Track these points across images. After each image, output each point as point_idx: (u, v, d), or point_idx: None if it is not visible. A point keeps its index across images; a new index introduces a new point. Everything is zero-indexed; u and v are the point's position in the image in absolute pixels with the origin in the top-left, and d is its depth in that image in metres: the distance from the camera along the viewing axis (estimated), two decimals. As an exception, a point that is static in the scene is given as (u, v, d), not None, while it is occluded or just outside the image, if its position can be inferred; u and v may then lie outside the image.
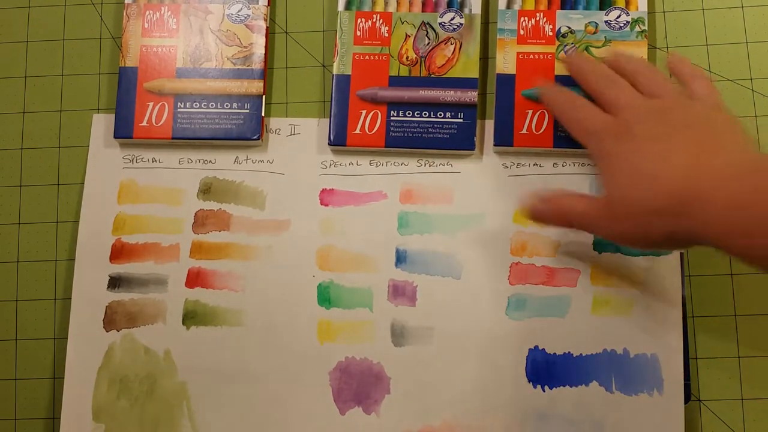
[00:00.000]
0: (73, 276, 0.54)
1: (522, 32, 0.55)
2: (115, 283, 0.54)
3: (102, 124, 0.57)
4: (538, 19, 0.55)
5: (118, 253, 0.54)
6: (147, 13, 0.55)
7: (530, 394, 0.51)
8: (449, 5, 0.56)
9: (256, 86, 0.55)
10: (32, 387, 0.55)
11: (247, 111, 0.54)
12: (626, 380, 0.51)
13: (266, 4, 0.56)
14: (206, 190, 0.55)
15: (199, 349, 0.53)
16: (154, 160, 0.56)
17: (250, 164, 0.56)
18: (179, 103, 0.54)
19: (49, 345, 0.55)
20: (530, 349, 0.52)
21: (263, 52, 0.55)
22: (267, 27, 0.56)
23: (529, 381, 0.52)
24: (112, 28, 0.59)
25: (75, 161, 0.57)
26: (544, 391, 0.51)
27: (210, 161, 0.56)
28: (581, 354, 0.52)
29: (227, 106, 0.54)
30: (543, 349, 0.52)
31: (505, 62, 0.55)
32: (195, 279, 0.54)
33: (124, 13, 0.56)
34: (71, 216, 0.56)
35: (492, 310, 0.53)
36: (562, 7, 0.55)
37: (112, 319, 0.54)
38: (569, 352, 0.52)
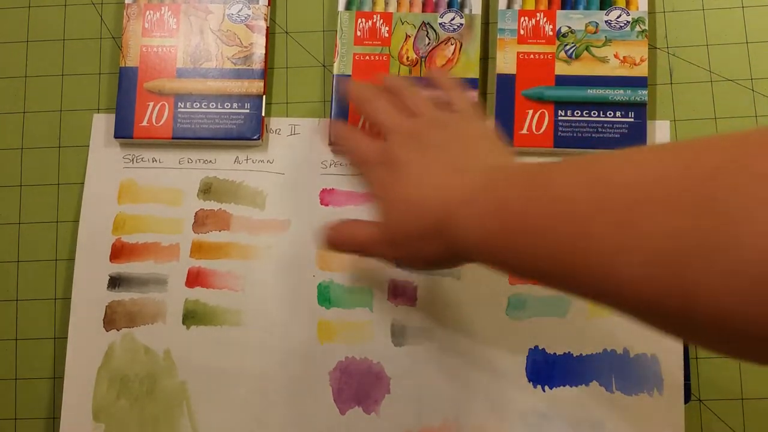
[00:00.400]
0: (73, 276, 0.54)
1: (522, 32, 0.55)
2: (115, 282, 0.54)
3: (102, 124, 0.57)
4: (538, 19, 0.55)
5: (118, 252, 0.54)
6: (147, 13, 0.55)
7: (530, 394, 0.51)
8: (449, 5, 0.56)
9: (257, 86, 0.55)
10: (32, 387, 0.55)
11: (248, 111, 0.54)
12: (626, 380, 0.51)
13: (266, 4, 0.56)
14: (206, 190, 0.55)
15: (199, 349, 0.53)
16: (154, 160, 0.56)
17: (250, 164, 0.56)
18: (179, 103, 0.54)
19: (49, 345, 0.55)
20: (530, 349, 0.52)
21: (263, 52, 0.55)
22: (267, 27, 0.56)
23: (529, 381, 0.52)
24: (112, 28, 0.59)
25: (75, 161, 0.57)
26: (544, 391, 0.51)
27: (210, 161, 0.56)
28: (581, 354, 0.52)
29: (227, 106, 0.54)
30: (543, 349, 0.52)
31: (505, 62, 0.55)
32: (195, 279, 0.54)
33: (125, 13, 0.56)
34: (71, 216, 0.56)
35: (492, 310, 0.53)
36: (563, 7, 0.55)
37: (112, 319, 0.54)
38: (569, 352, 0.52)
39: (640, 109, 0.54)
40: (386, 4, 0.56)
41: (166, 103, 0.54)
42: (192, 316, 0.53)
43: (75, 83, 0.58)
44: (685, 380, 0.51)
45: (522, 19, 0.55)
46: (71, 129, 0.58)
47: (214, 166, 0.56)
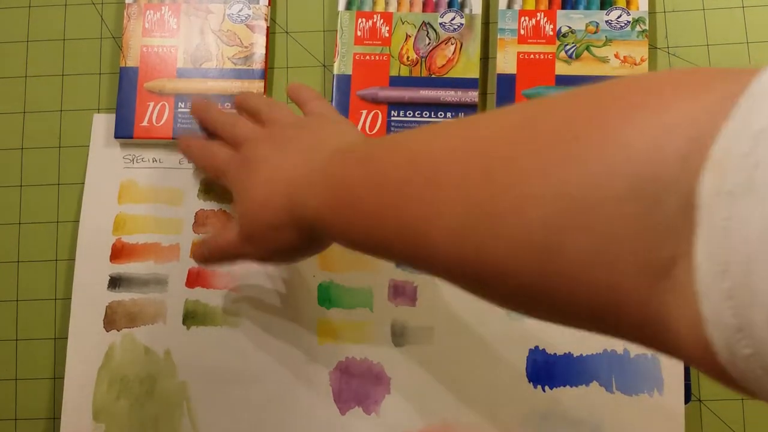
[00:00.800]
0: (73, 276, 0.54)
1: (522, 32, 0.55)
2: (115, 283, 0.54)
3: (102, 124, 0.57)
4: (538, 19, 0.55)
5: (119, 253, 0.54)
6: (147, 13, 0.55)
7: (530, 394, 0.51)
8: (450, 5, 0.56)
9: (257, 86, 0.55)
10: (32, 387, 0.55)
11: None
12: (626, 380, 0.51)
13: (267, 4, 0.56)
14: (206, 190, 0.55)
15: (199, 349, 0.53)
16: (154, 160, 0.56)
17: (251, 164, 0.56)
18: (180, 103, 0.54)
19: (49, 345, 0.55)
20: (530, 349, 0.52)
21: (264, 52, 0.55)
22: (267, 27, 0.56)
23: (529, 381, 0.52)
24: (113, 28, 0.59)
25: (75, 161, 0.57)
26: (544, 391, 0.51)
27: (210, 161, 0.56)
28: (581, 354, 0.52)
29: (228, 106, 0.54)
30: (543, 349, 0.52)
31: (505, 62, 0.55)
32: (195, 279, 0.54)
33: (125, 13, 0.56)
34: (71, 216, 0.56)
35: (492, 310, 0.52)
36: (563, 7, 0.55)
37: (112, 319, 0.54)
38: (569, 352, 0.52)
39: (640, 109, 0.54)
40: (386, 3, 0.56)
41: (166, 103, 0.54)
42: (192, 317, 0.53)
43: (75, 83, 0.58)
44: (685, 380, 0.51)
45: (522, 19, 0.55)
46: (71, 129, 0.58)
47: (214, 166, 0.56)
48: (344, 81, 0.55)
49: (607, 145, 0.24)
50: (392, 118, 0.55)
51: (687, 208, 0.21)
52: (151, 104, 0.54)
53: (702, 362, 0.22)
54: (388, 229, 0.34)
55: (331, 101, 0.55)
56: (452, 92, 0.54)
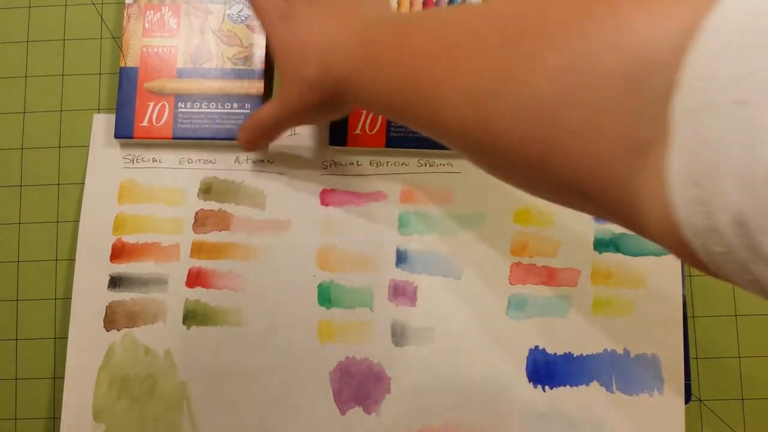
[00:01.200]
0: (73, 276, 0.54)
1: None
2: (115, 282, 0.54)
3: (102, 124, 0.57)
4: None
5: (119, 252, 0.54)
6: (147, 13, 0.55)
7: (531, 394, 0.51)
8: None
9: (257, 86, 0.55)
10: (32, 387, 0.55)
11: (248, 111, 0.54)
12: (627, 380, 0.51)
13: None
14: (207, 190, 0.55)
15: (199, 349, 0.53)
16: (154, 160, 0.56)
17: (251, 164, 0.56)
18: (180, 103, 0.54)
19: (49, 345, 0.55)
20: (531, 349, 0.52)
21: (263, 52, 0.55)
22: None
23: (529, 381, 0.52)
24: (113, 28, 0.59)
25: (75, 161, 0.57)
26: (544, 391, 0.51)
27: (210, 161, 0.56)
28: (582, 354, 0.52)
29: (228, 106, 0.54)
30: (543, 349, 0.52)
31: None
32: (195, 279, 0.54)
33: (125, 13, 0.56)
34: (71, 216, 0.56)
35: (492, 310, 0.53)
36: (563, 7, 0.55)
37: (112, 319, 0.54)
38: (570, 352, 0.52)
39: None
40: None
41: (166, 103, 0.54)
42: (192, 316, 0.53)
43: (75, 83, 0.58)
44: (685, 380, 0.51)
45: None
46: (71, 129, 0.58)
47: (214, 166, 0.56)
48: None
49: (615, 23, 0.26)
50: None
51: (668, 97, 0.23)
52: (151, 104, 0.54)
53: (668, 244, 0.25)
54: (410, 93, 0.36)
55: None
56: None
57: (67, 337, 0.53)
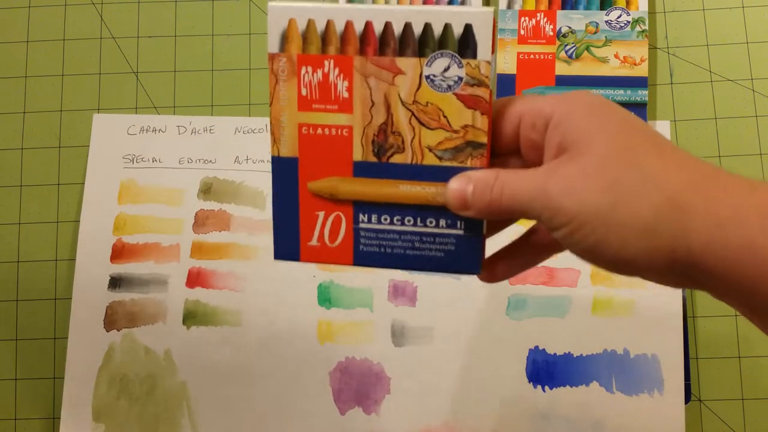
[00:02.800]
0: (73, 276, 0.54)
1: (522, 32, 0.55)
2: (115, 283, 0.54)
3: (102, 123, 0.57)
4: (538, 19, 0.55)
5: (119, 253, 0.54)
6: (303, 70, 0.34)
7: (530, 394, 0.51)
8: (450, 5, 0.56)
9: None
10: (32, 387, 0.55)
11: (461, 231, 0.34)
12: (627, 380, 0.51)
13: (488, 58, 0.32)
14: (206, 190, 0.55)
15: (199, 349, 0.53)
16: (154, 160, 0.56)
17: (250, 164, 0.56)
18: (361, 215, 0.35)
19: (49, 345, 0.55)
20: (530, 350, 0.52)
21: (487, 140, 0.32)
22: (489, 101, 0.32)
23: (529, 381, 0.52)
24: (113, 28, 0.59)
25: (75, 161, 0.57)
26: (544, 391, 0.51)
27: (210, 161, 0.56)
28: (581, 354, 0.52)
29: (431, 223, 0.34)
30: (543, 349, 0.52)
31: (505, 62, 0.55)
32: (195, 279, 0.54)
33: (270, 69, 0.34)
34: (72, 216, 0.56)
35: (492, 310, 0.53)
36: (563, 7, 0.55)
37: (112, 319, 0.54)
38: (569, 353, 0.52)
39: (640, 110, 0.54)
40: (387, 3, 0.56)
41: (341, 214, 0.36)
42: (192, 317, 0.53)
43: (75, 83, 0.58)
44: (685, 380, 0.51)
45: (522, 19, 0.55)
46: (71, 129, 0.58)
47: (214, 166, 0.56)
48: None
49: None
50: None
51: None
52: (321, 215, 0.36)
53: None
54: None
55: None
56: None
57: (67, 337, 0.53)
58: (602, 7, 0.55)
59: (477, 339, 0.52)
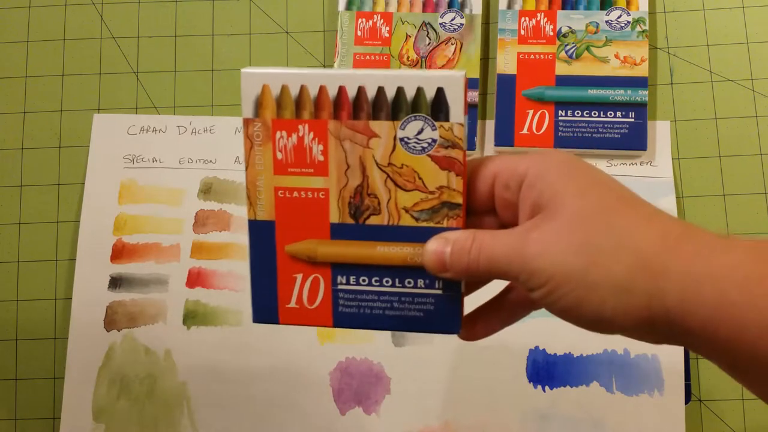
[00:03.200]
0: (73, 276, 0.54)
1: (523, 32, 0.55)
2: (115, 283, 0.54)
3: (102, 123, 0.57)
4: (538, 19, 0.55)
5: (119, 253, 0.54)
6: (279, 135, 0.34)
7: (531, 394, 0.51)
8: (450, 5, 0.56)
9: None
10: (32, 387, 0.55)
11: (440, 292, 0.35)
12: (627, 381, 0.51)
13: (461, 120, 0.32)
14: (207, 190, 0.55)
15: (199, 349, 0.53)
16: (154, 160, 0.56)
17: (251, 164, 0.56)
18: (339, 277, 0.35)
19: (50, 345, 0.55)
20: (531, 350, 0.52)
21: (462, 201, 0.33)
22: (464, 163, 0.32)
23: (529, 381, 0.52)
24: (112, 28, 0.59)
25: (75, 161, 0.57)
26: (544, 391, 0.51)
27: (210, 161, 0.56)
28: (582, 354, 0.52)
29: (409, 284, 0.35)
30: (543, 349, 0.52)
31: (505, 62, 0.55)
32: (195, 279, 0.54)
33: (244, 135, 0.34)
34: (72, 216, 0.56)
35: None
36: (563, 7, 0.55)
37: (112, 319, 0.54)
38: (570, 353, 0.52)
39: (640, 110, 0.54)
40: (386, 4, 0.56)
41: (320, 277, 0.36)
42: (192, 317, 0.53)
43: (75, 83, 0.58)
44: (685, 381, 0.51)
45: (522, 19, 0.55)
46: (71, 129, 0.58)
47: (214, 166, 0.56)
48: None
49: None
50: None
51: None
52: (299, 277, 0.36)
53: None
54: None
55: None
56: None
57: (67, 337, 0.53)
58: (602, 7, 0.55)
59: (477, 339, 0.52)
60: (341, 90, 0.33)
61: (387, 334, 0.53)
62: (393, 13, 0.56)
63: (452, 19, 0.56)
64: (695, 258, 0.27)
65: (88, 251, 0.54)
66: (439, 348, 0.52)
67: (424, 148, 0.33)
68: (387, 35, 0.56)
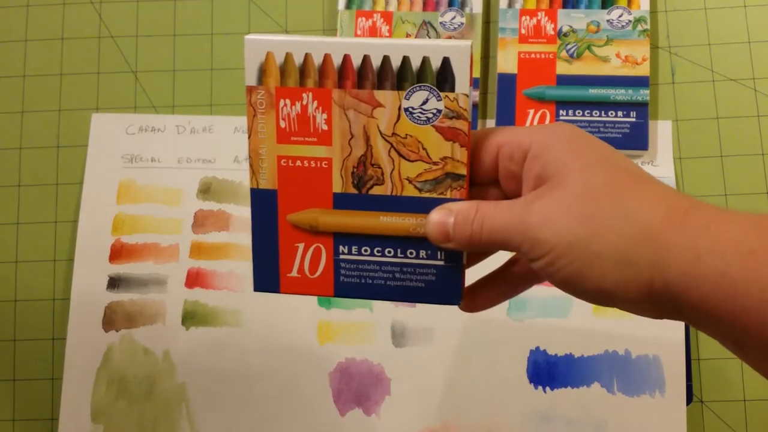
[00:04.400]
0: (72, 276, 0.54)
1: (523, 31, 0.55)
2: (114, 283, 0.54)
3: (101, 123, 0.56)
4: (539, 18, 0.55)
5: (118, 253, 0.54)
6: (282, 103, 0.33)
7: (531, 395, 0.51)
8: (450, 4, 0.56)
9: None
10: (31, 387, 0.55)
11: (441, 263, 0.35)
12: (628, 381, 0.51)
13: (466, 91, 0.32)
14: (206, 190, 0.55)
15: (198, 350, 0.53)
16: (153, 160, 0.56)
17: (250, 164, 0.55)
18: (341, 246, 0.35)
19: (48, 345, 0.55)
20: (531, 350, 0.52)
21: (466, 172, 0.33)
22: (468, 134, 0.32)
23: (530, 382, 0.51)
24: (112, 28, 0.59)
25: (74, 161, 0.57)
26: (545, 392, 0.51)
27: (209, 161, 0.55)
28: (583, 355, 0.51)
29: (411, 254, 0.34)
30: (544, 350, 0.52)
31: (506, 61, 0.55)
32: (194, 279, 0.54)
33: (247, 102, 0.33)
34: (70, 216, 0.56)
35: (493, 310, 0.52)
36: (564, 6, 0.55)
37: (111, 320, 0.53)
38: (570, 353, 0.52)
39: (641, 109, 0.53)
40: (386, 3, 0.56)
41: (321, 246, 0.36)
42: (191, 317, 0.53)
43: (73, 82, 0.58)
44: (687, 381, 0.51)
45: (523, 18, 0.55)
46: (70, 128, 0.57)
47: (213, 165, 0.55)
48: None
49: None
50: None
51: None
52: (301, 246, 0.36)
53: None
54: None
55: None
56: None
57: (65, 338, 0.53)
58: (603, 6, 0.55)
59: (478, 340, 0.52)
60: (346, 59, 0.32)
61: (387, 334, 0.52)
62: (393, 12, 0.56)
63: (452, 18, 0.55)
64: (700, 232, 0.27)
65: (87, 251, 0.54)
66: (439, 349, 0.52)
67: (428, 119, 0.33)
68: (387, 34, 0.55)
